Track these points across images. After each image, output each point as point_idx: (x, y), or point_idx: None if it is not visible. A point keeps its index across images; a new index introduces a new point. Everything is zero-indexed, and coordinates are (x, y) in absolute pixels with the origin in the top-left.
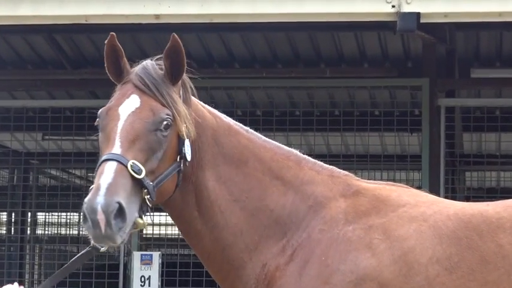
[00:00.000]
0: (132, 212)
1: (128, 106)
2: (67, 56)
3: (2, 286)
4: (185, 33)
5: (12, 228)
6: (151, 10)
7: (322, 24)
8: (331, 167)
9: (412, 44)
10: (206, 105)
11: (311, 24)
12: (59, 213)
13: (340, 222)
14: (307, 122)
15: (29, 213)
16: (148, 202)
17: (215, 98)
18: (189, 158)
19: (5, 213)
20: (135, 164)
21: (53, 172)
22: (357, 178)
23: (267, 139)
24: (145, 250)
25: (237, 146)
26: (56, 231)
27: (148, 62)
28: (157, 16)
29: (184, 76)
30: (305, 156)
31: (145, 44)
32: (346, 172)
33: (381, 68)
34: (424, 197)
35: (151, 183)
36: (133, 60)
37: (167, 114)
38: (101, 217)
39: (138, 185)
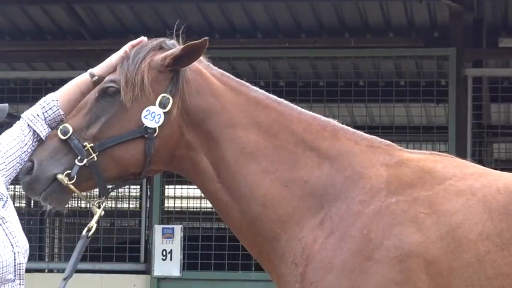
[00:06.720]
0: (46, 168)
1: None
2: (86, 27)
3: None
4: (206, 2)
5: (32, 201)
6: None
7: None
8: (371, 136)
9: (438, 13)
10: (232, 79)
11: None
12: None
13: (381, 193)
14: (331, 93)
15: None
16: (80, 163)
17: (237, 68)
18: (150, 125)
19: None
20: (65, 126)
21: None
22: (399, 148)
23: (303, 111)
24: (167, 223)
25: (264, 120)
26: (76, 205)
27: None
28: None
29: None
30: (344, 126)
31: (166, 15)
32: (388, 142)
33: (406, 38)
34: (471, 168)
35: (84, 143)
36: (154, 32)
37: (111, 81)
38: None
39: (68, 145)
